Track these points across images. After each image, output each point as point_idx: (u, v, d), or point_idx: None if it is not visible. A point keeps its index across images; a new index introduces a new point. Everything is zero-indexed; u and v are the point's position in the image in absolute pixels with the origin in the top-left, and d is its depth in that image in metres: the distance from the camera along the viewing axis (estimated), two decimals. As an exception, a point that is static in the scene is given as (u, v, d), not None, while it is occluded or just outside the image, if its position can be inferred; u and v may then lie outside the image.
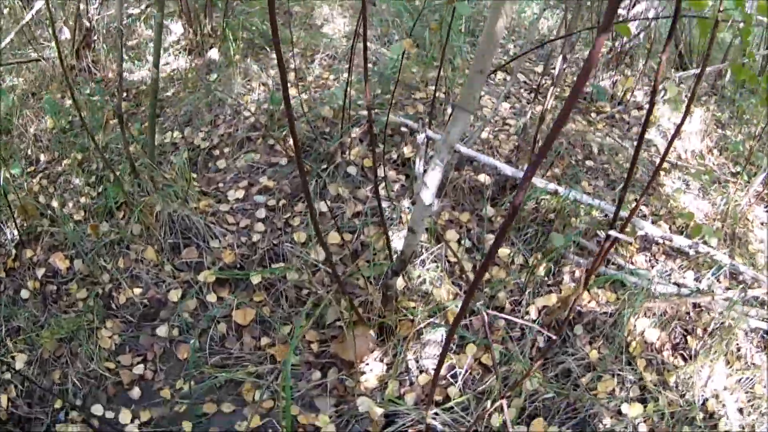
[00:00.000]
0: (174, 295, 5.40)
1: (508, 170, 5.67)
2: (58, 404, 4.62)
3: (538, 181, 5.54)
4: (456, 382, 4.81)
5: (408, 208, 5.59)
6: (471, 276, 5.14)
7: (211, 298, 5.39)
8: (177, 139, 6.48)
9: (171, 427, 4.67)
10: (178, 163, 5.94)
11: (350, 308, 4.56)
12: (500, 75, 7.21)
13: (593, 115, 6.90)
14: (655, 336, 4.55)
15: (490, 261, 2.27)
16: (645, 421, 4.23)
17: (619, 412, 4.28)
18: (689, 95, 3.21)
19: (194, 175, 6.12)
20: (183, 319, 5.23)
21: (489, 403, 4.50)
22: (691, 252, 5.20)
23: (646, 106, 6.67)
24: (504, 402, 3.44)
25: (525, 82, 7.24)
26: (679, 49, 7.52)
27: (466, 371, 4.82)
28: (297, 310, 5.24)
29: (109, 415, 4.65)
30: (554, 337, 3.49)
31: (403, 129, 6.23)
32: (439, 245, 5.28)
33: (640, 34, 7.32)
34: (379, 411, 4.64)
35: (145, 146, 5.97)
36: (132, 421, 4.64)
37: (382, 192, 5.77)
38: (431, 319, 4.99)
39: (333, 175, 5.85)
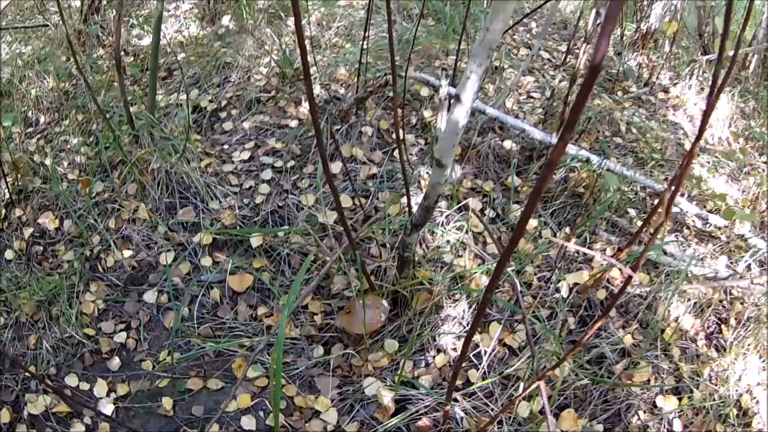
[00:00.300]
0: (165, 258, 4.43)
1: (537, 134, 4.72)
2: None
3: (570, 147, 4.63)
4: (479, 363, 3.81)
5: (427, 173, 4.62)
6: (500, 246, 4.03)
7: (206, 261, 4.40)
8: (182, 101, 5.45)
9: (149, 403, 3.81)
10: (180, 118, 5.04)
11: (361, 273, 3.41)
12: (523, 51, 6.18)
13: (619, 93, 5.94)
14: (689, 323, 3.90)
15: (529, 216, 1.78)
16: (679, 416, 3.54)
17: (654, 405, 3.59)
18: (714, 80, 2.62)
19: (198, 136, 5.19)
20: (173, 284, 4.29)
21: (516, 389, 3.69)
22: (725, 234, 4.59)
23: (672, 89, 6.19)
24: (542, 385, 2.72)
25: (549, 59, 6.28)
26: (703, 37, 6.52)
27: (492, 352, 3.71)
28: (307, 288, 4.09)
29: (84, 386, 3.85)
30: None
31: (423, 94, 5.26)
32: (461, 213, 4.21)
33: (666, 17, 6.33)
34: (389, 395, 3.64)
35: (144, 100, 5.07)
36: (108, 395, 3.80)
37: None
38: (452, 292, 4.02)
39: (347, 136, 4.75)
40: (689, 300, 3.89)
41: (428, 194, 3.21)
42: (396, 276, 3.78)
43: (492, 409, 3.57)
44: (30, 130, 5.52)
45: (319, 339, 4.02)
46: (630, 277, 2.23)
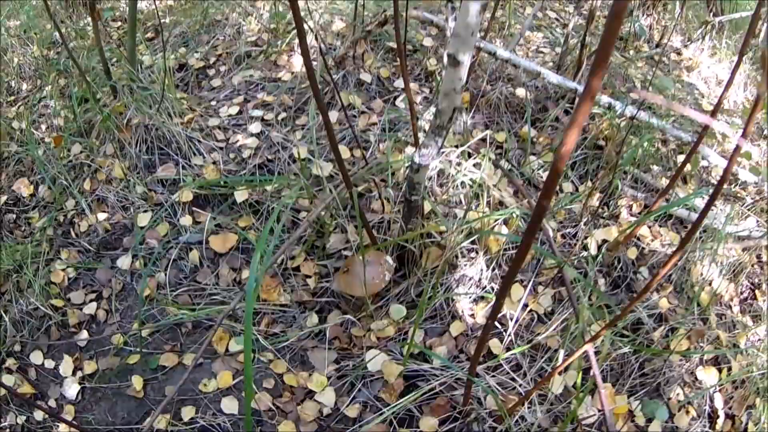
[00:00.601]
0: (142, 219, 3.53)
1: (553, 77, 3.81)
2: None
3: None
4: (503, 331, 2.87)
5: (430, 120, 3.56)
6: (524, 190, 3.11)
7: (186, 221, 3.49)
8: (170, 60, 4.36)
9: (118, 383, 2.96)
10: (160, 69, 4.08)
11: (360, 224, 2.48)
12: (529, 9, 5.25)
13: (631, 53, 5.14)
14: (723, 287, 3.18)
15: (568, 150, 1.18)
16: (720, 390, 2.84)
17: (694, 378, 2.90)
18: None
19: (183, 94, 4.27)
20: (149, 247, 3.41)
21: (547, 361, 2.86)
22: (750, 196, 3.80)
23: (684, 51, 5.33)
24: (591, 349, 2.20)
25: (556, 19, 5.43)
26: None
27: (517, 320, 2.78)
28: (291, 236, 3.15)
29: (49, 364, 3.08)
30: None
31: (426, 44, 4.36)
32: (472, 159, 3.20)
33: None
34: (397, 370, 2.61)
35: (123, 47, 4.19)
36: (74, 373, 3.02)
37: (401, 105, 3.71)
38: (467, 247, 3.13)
39: (344, 84, 3.81)
40: (721, 263, 3.25)
41: (441, 108, 2.29)
42: (402, 228, 2.83)
43: (520, 385, 2.73)
44: (12, 98, 4.65)
45: (313, 305, 3.13)
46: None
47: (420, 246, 2.95)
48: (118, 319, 3.18)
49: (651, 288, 1.71)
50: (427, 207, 3.08)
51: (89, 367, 3.00)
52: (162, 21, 4.90)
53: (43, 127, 4.19)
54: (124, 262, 3.36)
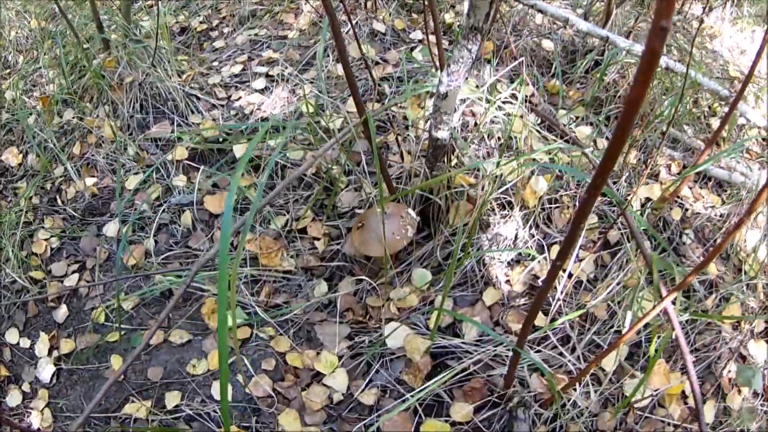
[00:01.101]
0: (132, 182, 2.86)
1: (582, 24, 3.07)
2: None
3: (619, 39, 3.02)
4: (553, 298, 2.09)
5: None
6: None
7: (179, 181, 2.75)
8: (171, 24, 3.71)
9: (97, 364, 2.32)
10: (155, 18, 3.32)
11: (378, 169, 1.74)
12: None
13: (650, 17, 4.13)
14: (764, 253, 2.48)
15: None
16: None
17: (742, 356, 2.24)
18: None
19: (185, 57, 3.52)
20: (140, 212, 2.73)
21: (598, 332, 2.19)
22: None
23: (706, 19, 4.56)
24: (670, 305, 1.63)
25: None
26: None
27: (563, 288, 2.03)
28: (299, 195, 2.44)
29: (25, 343, 2.48)
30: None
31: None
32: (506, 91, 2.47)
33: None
34: (423, 346, 1.85)
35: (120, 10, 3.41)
36: (49, 353, 2.41)
37: (419, 56, 3.03)
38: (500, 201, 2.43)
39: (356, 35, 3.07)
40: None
41: (475, 3, 1.58)
42: (426, 175, 2.12)
43: (569, 362, 2.04)
44: (7, 71, 3.98)
45: (322, 272, 2.43)
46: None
47: (447, 199, 2.25)
48: (101, 291, 2.52)
49: (721, 249, 1.33)
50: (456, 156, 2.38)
51: (66, 345, 2.37)
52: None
53: (36, 94, 3.53)
54: (110, 228, 2.71)
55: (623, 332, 1.74)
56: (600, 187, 0.97)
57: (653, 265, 1.67)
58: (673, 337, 1.73)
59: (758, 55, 2.04)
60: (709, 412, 2.07)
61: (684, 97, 3.02)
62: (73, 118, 3.20)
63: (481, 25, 1.64)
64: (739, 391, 2.16)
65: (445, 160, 2.11)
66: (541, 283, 2.16)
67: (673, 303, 1.90)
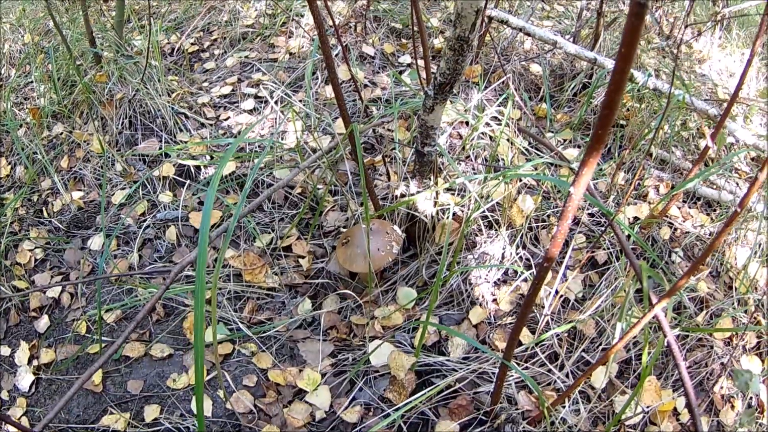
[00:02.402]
0: (118, 197, 2.80)
1: (570, 47, 3.05)
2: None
3: (607, 61, 3.00)
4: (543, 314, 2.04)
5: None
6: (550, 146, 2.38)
7: (165, 197, 2.61)
8: (163, 44, 3.63)
9: (76, 375, 2.24)
10: (147, 37, 3.23)
11: (365, 184, 1.66)
12: None
13: (642, 43, 4.11)
14: (754, 270, 2.48)
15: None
16: (763, 381, 2.17)
17: (733, 373, 2.10)
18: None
19: (175, 77, 3.45)
20: (124, 225, 2.68)
21: (587, 350, 2.14)
22: None
23: (695, 44, 4.61)
24: (661, 313, 1.60)
25: (563, 11, 4.48)
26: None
27: (551, 303, 1.98)
28: (284, 213, 2.37)
29: (5, 351, 2.40)
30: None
31: (434, 24, 3.60)
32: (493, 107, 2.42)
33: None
34: (407, 363, 1.77)
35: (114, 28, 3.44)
36: (29, 362, 2.32)
37: (407, 80, 2.99)
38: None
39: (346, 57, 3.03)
40: (758, 247, 2.55)
41: (460, 10, 1.53)
42: (411, 189, 2.06)
43: (558, 379, 1.97)
44: (0, 84, 3.84)
45: (306, 289, 2.37)
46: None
47: (433, 218, 2.18)
48: (83, 304, 2.44)
49: (708, 255, 1.28)
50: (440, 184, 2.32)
51: (46, 355, 2.29)
52: (155, 6, 4.18)
53: (27, 107, 3.46)
54: (95, 242, 2.64)
55: (613, 343, 1.68)
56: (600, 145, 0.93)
57: (642, 273, 1.61)
58: (665, 344, 1.67)
59: (743, 74, 2.02)
60: (702, 428, 2.01)
61: (671, 117, 3.00)
62: (63, 132, 3.15)
63: (467, 35, 1.59)
64: (733, 407, 2.11)
65: (432, 178, 2.05)
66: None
67: (665, 313, 1.84)
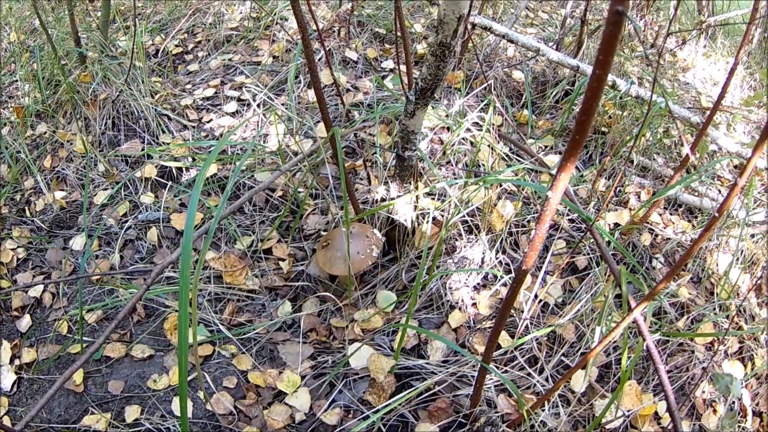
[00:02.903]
0: (101, 197, 2.79)
1: (553, 54, 3.03)
2: None
3: (590, 69, 2.95)
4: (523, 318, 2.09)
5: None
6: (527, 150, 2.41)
7: (147, 198, 2.60)
8: (147, 45, 3.61)
9: (57, 375, 2.21)
10: (132, 38, 3.19)
11: (345, 186, 1.66)
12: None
13: (627, 51, 4.26)
14: (735, 275, 2.50)
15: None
16: (745, 386, 2.21)
17: (713, 377, 1.96)
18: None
19: (158, 79, 3.44)
20: (105, 226, 2.66)
21: (568, 354, 2.14)
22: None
23: (679, 52, 4.65)
24: (639, 317, 1.61)
25: (547, 19, 4.55)
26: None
27: (530, 308, 2.03)
28: (265, 216, 2.36)
29: None
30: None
31: (417, 30, 3.63)
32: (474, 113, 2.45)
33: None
34: (387, 365, 1.77)
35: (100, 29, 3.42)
36: (11, 361, 2.29)
37: (390, 85, 2.99)
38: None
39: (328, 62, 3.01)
40: (740, 254, 2.56)
41: (443, 16, 1.53)
42: (392, 193, 2.06)
43: (538, 383, 1.99)
44: (-17, 84, 3.91)
45: (286, 292, 2.37)
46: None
47: (414, 222, 2.19)
48: (64, 303, 2.43)
49: (687, 259, 1.27)
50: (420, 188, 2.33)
51: (28, 355, 2.26)
52: (141, 7, 4.16)
53: (12, 107, 3.42)
54: (77, 242, 2.63)
55: (592, 347, 1.69)
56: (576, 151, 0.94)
57: (621, 277, 1.62)
58: (645, 347, 1.68)
59: (726, 82, 2.04)
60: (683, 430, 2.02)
61: (653, 125, 3.02)
62: (46, 131, 3.13)
63: (449, 41, 1.60)
64: (715, 411, 2.12)
65: (412, 182, 2.06)
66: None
67: (644, 318, 1.85)
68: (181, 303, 0.96)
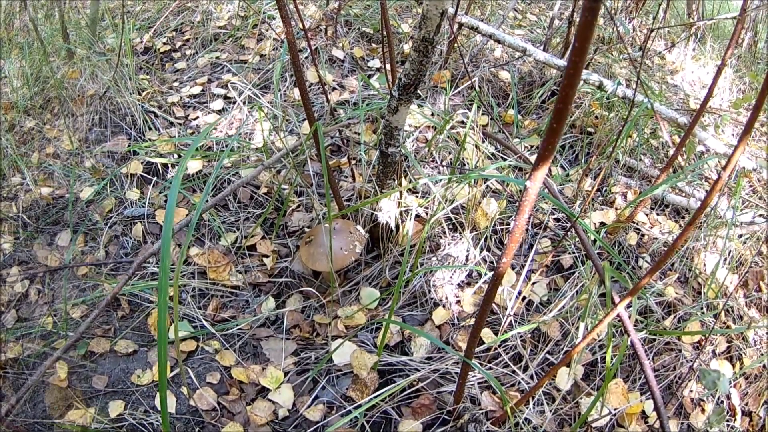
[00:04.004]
0: (86, 193, 2.74)
1: (540, 55, 3.05)
2: None
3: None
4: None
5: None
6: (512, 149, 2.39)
7: (133, 194, 2.57)
8: (135, 43, 3.55)
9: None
10: (120, 35, 3.19)
11: (327, 181, 1.65)
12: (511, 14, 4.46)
13: (615, 53, 4.21)
14: (722, 275, 2.48)
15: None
16: (734, 385, 2.20)
17: (700, 374, 1.90)
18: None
19: (146, 76, 3.41)
20: (91, 222, 2.61)
21: (552, 352, 2.13)
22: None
23: (668, 55, 4.66)
24: (623, 311, 1.62)
25: (536, 21, 4.57)
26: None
27: (513, 305, 2.00)
28: (249, 213, 2.34)
29: None
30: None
31: (404, 30, 3.61)
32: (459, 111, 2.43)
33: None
34: (370, 362, 1.75)
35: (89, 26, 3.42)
36: None
37: (376, 83, 2.97)
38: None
39: (315, 60, 2.99)
40: (727, 254, 2.55)
41: (426, 14, 1.52)
42: (376, 192, 2.04)
43: (522, 380, 1.97)
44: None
45: (270, 288, 2.35)
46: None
47: (398, 218, 2.17)
48: (50, 299, 2.39)
49: (670, 255, 1.27)
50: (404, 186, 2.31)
51: (12, 350, 2.22)
52: (129, 4, 4.12)
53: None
54: (63, 237, 2.59)
55: (576, 343, 1.68)
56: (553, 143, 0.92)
57: (606, 273, 1.60)
58: (629, 344, 1.66)
59: (713, 83, 2.04)
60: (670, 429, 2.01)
61: (639, 125, 3.01)
62: (34, 128, 3.09)
63: (432, 36, 1.59)
64: (703, 410, 2.11)
65: (395, 178, 2.04)
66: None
67: (629, 313, 1.84)
68: (161, 294, 0.94)
